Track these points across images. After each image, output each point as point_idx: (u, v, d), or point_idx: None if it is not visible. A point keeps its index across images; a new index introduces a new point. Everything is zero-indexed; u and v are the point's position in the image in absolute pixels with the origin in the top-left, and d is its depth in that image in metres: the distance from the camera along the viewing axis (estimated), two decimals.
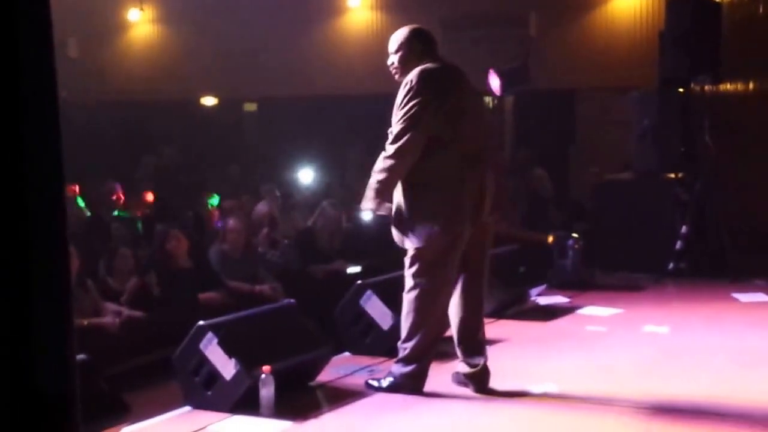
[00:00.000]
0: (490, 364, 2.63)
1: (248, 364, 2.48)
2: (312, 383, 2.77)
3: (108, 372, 2.60)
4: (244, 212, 4.75)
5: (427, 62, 2.53)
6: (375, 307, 3.11)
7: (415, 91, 2.45)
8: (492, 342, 2.74)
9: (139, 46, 7.55)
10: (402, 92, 2.48)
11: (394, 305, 3.03)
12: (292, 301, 2.95)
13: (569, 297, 4.13)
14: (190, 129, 7.53)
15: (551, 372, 2.85)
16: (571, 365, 2.94)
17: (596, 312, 3.83)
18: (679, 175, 4.81)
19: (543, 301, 4.06)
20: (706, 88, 4.73)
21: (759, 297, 4.09)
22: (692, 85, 4.74)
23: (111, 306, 3.54)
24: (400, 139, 2.45)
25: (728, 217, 4.63)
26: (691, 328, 3.48)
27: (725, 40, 4.74)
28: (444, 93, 2.48)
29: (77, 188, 4.78)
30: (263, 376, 2.45)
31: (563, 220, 5.19)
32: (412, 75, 2.48)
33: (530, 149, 5.92)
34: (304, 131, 7.05)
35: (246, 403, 2.46)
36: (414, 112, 2.44)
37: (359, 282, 3.19)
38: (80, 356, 2.06)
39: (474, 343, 2.60)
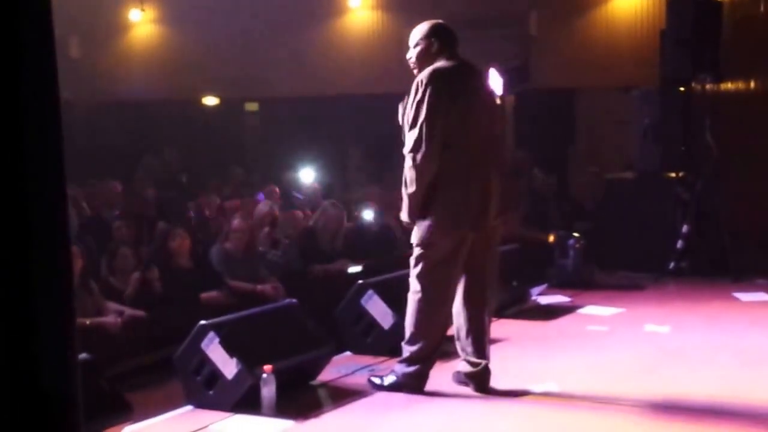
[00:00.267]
0: (491, 364, 2.63)
1: (250, 364, 2.49)
2: (313, 382, 2.77)
3: (110, 371, 2.61)
4: (246, 212, 4.75)
5: (443, 60, 2.51)
6: (376, 307, 3.11)
7: (425, 94, 2.44)
8: (493, 341, 2.74)
9: (140, 47, 7.56)
10: (413, 92, 2.48)
11: (395, 305, 3.04)
12: (294, 300, 2.95)
13: (570, 296, 4.13)
14: (192, 129, 7.53)
15: (552, 371, 2.85)
16: (572, 365, 2.94)
17: (597, 311, 3.83)
18: (680, 174, 4.80)
19: (544, 300, 4.06)
20: (708, 87, 4.72)
21: (760, 296, 4.09)
22: (693, 84, 4.73)
23: (113, 306, 3.55)
24: (419, 149, 2.43)
25: (729, 216, 4.62)
26: (692, 328, 3.48)
27: (726, 39, 4.73)
28: (454, 94, 2.47)
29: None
30: (264, 375, 2.46)
31: (563, 219, 5.19)
32: (423, 75, 2.47)
33: (527, 149, 5.92)
34: (305, 131, 7.05)
35: (247, 403, 2.47)
36: (426, 117, 2.42)
37: (360, 282, 3.20)
38: (82, 356, 2.06)
39: (476, 344, 2.60)
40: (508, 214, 2.62)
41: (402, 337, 2.67)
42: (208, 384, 2.53)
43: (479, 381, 2.62)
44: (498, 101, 2.67)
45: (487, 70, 2.62)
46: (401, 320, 2.85)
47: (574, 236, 4.50)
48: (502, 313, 3.58)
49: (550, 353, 3.11)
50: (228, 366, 2.49)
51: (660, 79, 4.90)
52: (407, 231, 2.65)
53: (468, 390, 2.62)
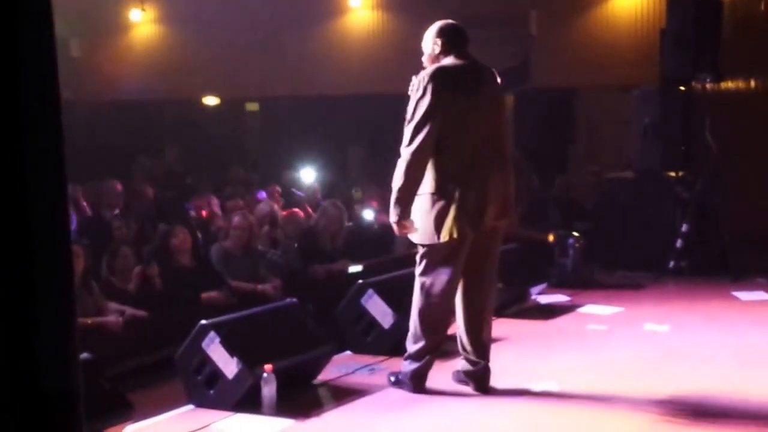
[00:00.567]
0: (491, 363, 2.64)
1: (250, 363, 2.49)
2: (314, 382, 2.78)
3: (111, 371, 2.61)
4: (246, 211, 4.76)
5: (449, 59, 2.51)
6: (376, 306, 3.11)
7: (424, 92, 2.44)
8: (492, 340, 2.74)
9: (140, 47, 7.56)
10: (413, 88, 2.48)
11: (396, 304, 3.04)
12: (294, 300, 2.96)
13: (570, 295, 4.13)
14: (192, 129, 7.53)
15: (551, 370, 2.85)
16: (572, 364, 2.94)
17: (597, 310, 3.83)
18: (680, 173, 4.80)
19: (543, 299, 4.06)
20: (708, 86, 4.72)
21: (759, 295, 4.09)
22: (693, 83, 4.73)
23: (114, 305, 3.56)
24: (411, 144, 2.44)
25: (729, 215, 4.62)
26: (692, 327, 3.48)
27: (726, 38, 4.73)
28: (456, 92, 2.47)
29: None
30: (265, 374, 2.46)
31: (563, 218, 5.19)
32: (424, 74, 2.48)
33: (524, 149, 5.92)
34: (306, 131, 7.05)
35: (248, 402, 2.47)
36: (423, 114, 2.43)
37: (360, 281, 3.20)
38: (83, 355, 2.06)
39: (477, 344, 2.61)
40: (510, 215, 2.61)
41: (403, 336, 2.68)
42: (208, 383, 2.54)
43: (479, 380, 2.62)
44: (504, 102, 2.66)
45: (498, 70, 2.62)
46: (401, 320, 2.86)
47: (574, 235, 4.50)
48: (501, 313, 3.58)
49: (550, 352, 3.11)
50: (229, 365, 2.49)
51: (660, 78, 4.90)
52: (401, 235, 2.64)
53: (468, 389, 2.63)
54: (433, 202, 2.48)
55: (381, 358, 3.00)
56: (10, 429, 0.99)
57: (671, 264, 4.56)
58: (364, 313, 3.13)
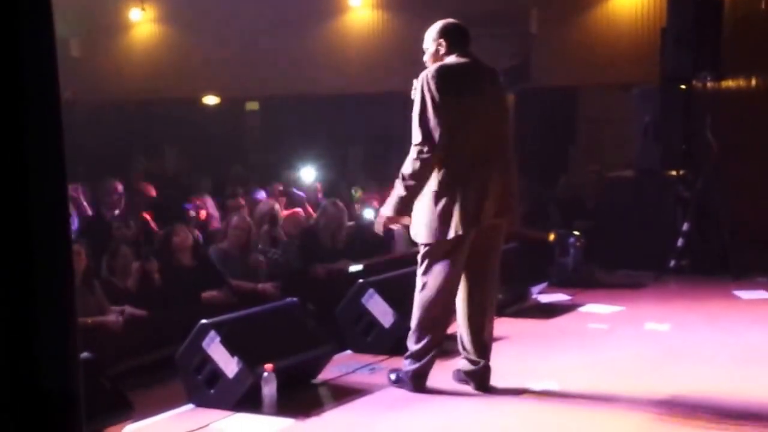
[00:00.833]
0: (491, 362, 2.64)
1: (251, 362, 2.49)
2: (314, 381, 2.78)
3: (111, 370, 2.62)
4: (246, 211, 4.75)
5: (451, 58, 2.52)
6: (377, 306, 3.11)
7: (429, 89, 2.44)
8: (493, 340, 2.74)
9: (140, 46, 7.56)
10: (417, 87, 2.48)
11: (396, 304, 3.04)
12: (295, 299, 2.96)
13: (570, 295, 4.13)
14: (192, 128, 7.53)
15: (552, 370, 2.85)
16: (572, 363, 2.94)
17: (597, 310, 3.83)
18: (681, 172, 4.80)
19: (544, 298, 4.06)
20: (708, 85, 4.71)
21: (760, 294, 4.09)
22: (694, 82, 4.72)
23: (114, 308, 3.55)
24: (425, 144, 2.43)
25: (730, 214, 4.62)
26: (693, 326, 3.48)
27: (727, 36, 4.72)
28: (458, 91, 2.47)
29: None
30: (265, 374, 2.46)
31: (563, 217, 5.18)
32: (428, 71, 2.48)
33: (524, 148, 5.91)
34: (306, 130, 7.05)
35: (248, 401, 2.47)
36: (431, 113, 2.43)
37: (361, 280, 3.20)
38: (84, 354, 2.06)
39: (477, 343, 2.61)
40: (510, 212, 2.61)
41: (403, 335, 2.68)
42: (209, 383, 2.54)
43: (479, 379, 2.62)
44: (506, 101, 2.66)
45: (499, 69, 2.62)
46: (402, 319, 2.86)
47: (575, 234, 4.49)
48: (502, 312, 3.57)
49: (550, 351, 3.11)
50: (229, 365, 2.49)
51: (660, 77, 4.89)
52: (388, 231, 2.64)
53: (468, 388, 2.63)
54: (437, 200, 2.48)
55: (381, 357, 3.00)
56: (11, 428, 0.99)
57: (672, 263, 4.56)
58: (364, 313, 3.13)
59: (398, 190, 2.50)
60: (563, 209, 5.41)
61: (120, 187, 5.05)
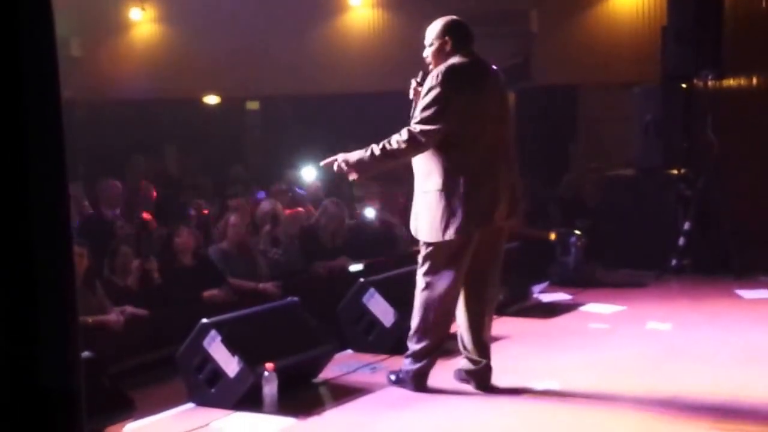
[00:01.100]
0: (492, 362, 2.63)
1: (251, 362, 2.49)
2: (315, 380, 2.78)
3: (112, 369, 2.62)
4: (244, 210, 4.76)
5: (456, 57, 2.52)
6: (377, 305, 3.11)
7: (439, 86, 2.44)
8: (494, 339, 2.75)
9: (141, 45, 7.56)
10: (428, 84, 2.48)
11: (397, 303, 3.04)
12: (295, 298, 2.96)
13: (571, 294, 4.12)
14: (192, 127, 7.53)
15: (553, 369, 2.85)
16: (574, 362, 2.94)
17: (599, 309, 3.82)
18: (682, 171, 4.79)
19: (545, 298, 4.06)
20: (709, 83, 4.70)
21: (762, 293, 4.08)
22: (695, 80, 4.71)
23: (116, 309, 3.56)
24: (423, 125, 2.43)
25: (731, 213, 4.61)
26: (694, 325, 3.47)
27: (728, 34, 4.71)
28: (467, 91, 2.47)
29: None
30: (266, 373, 2.46)
31: (564, 217, 5.18)
32: (439, 70, 2.48)
33: (525, 148, 5.90)
34: (306, 129, 7.05)
35: (249, 400, 2.47)
36: (436, 110, 2.43)
37: (362, 280, 3.20)
38: (85, 353, 2.06)
39: (478, 343, 2.60)
40: (518, 215, 2.61)
41: (404, 335, 2.68)
42: (210, 382, 2.54)
43: (480, 379, 2.62)
44: (509, 101, 2.66)
45: (499, 68, 2.62)
46: (402, 318, 2.86)
47: (576, 234, 4.49)
48: (503, 311, 3.57)
49: (552, 351, 3.10)
50: (230, 364, 2.49)
51: (661, 75, 4.88)
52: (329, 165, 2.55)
53: (469, 388, 2.63)
54: (441, 200, 2.47)
55: (382, 356, 2.99)
56: (12, 426, 0.99)
57: (673, 262, 4.55)
58: (365, 312, 3.13)
59: (372, 150, 2.46)
60: (564, 208, 5.40)
61: (120, 187, 5.05)
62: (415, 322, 2.60)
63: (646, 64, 5.27)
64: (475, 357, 2.62)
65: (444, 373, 2.68)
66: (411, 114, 2.54)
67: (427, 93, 2.47)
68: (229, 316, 2.69)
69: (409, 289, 2.64)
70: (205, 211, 5.05)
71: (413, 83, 2.57)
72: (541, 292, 4.08)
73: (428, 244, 2.53)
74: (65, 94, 1.08)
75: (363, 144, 2.58)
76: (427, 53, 2.58)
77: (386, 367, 2.83)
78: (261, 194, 5.51)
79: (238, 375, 2.49)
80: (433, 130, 2.43)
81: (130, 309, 3.56)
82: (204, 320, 2.58)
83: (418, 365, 2.60)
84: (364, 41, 6.85)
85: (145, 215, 4.75)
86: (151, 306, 3.63)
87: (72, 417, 1.04)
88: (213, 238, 4.52)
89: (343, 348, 3.08)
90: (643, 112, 4.83)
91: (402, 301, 2.88)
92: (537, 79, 6.17)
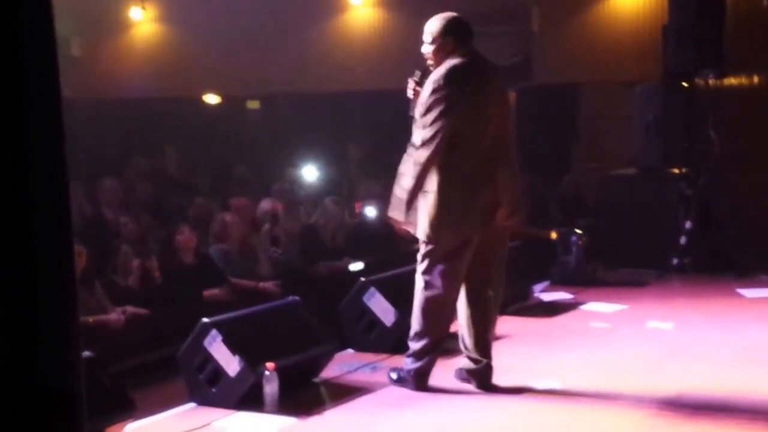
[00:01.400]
0: (493, 361, 2.63)
1: (252, 361, 2.49)
2: (316, 380, 2.78)
3: (113, 369, 2.61)
4: (243, 209, 4.75)
5: (458, 56, 2.50)
6: (378, 304, 3.11)
7: (440, 93, 2.43)
8: (495, 338, 2.74)
9: (141, 45, 7.55)
10: (428, 89, 2.47)
11: (398, 302, 3.04)
12: (296, 298, 2.96)
13: (573, 293, 4.12)
14: (193, 127, 7.53)
15: (554, 368, 2.84)
16: (575, 361, 2.94)
17: (600, 308, 3.82)
18: (683, 170, 4.78)
19: (546, 297, 4.06)
20: (711, 82, 4.70)
21: (764, 292, 4.07)
22: (696, 79, 4.71)
23: (116, 307, 3.56)
24: (426, 146, 2.43)
25: (732, 212, 4.61)
26: (696, 324, 3.47)
27: (729, 33, 4.70)
28: (467, 92, 2.46)
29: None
30: (267, 372, 2.46)
31: (565, 216, 5.18)
32: (439, 73, 2.47)
33: (525, 147, 5.89)
34: (307, 129, 7.05)
35: (250, 400, 2.47)
36: (437, 115, 2.42)
37: (362, 279, 3.20)
38: (85, 353, 2.06)
39: (479, 342, 2.60)
40: (520, 215, 2.60)
41: (405, 334, 2.67)
42: (210, 381, 2.54)
43: (481, 378, 2.62)
44: (509, 100, 2.65)
45: (500, 67, 2.61)
46: (403, 317, 2.85)
47: (577, 233, 4.49)
48: (504, 310, 3.56)
49: (553, 350, 3.10)
50: (231, 363, 2.49)
51: (662, 74, 4.87)
52: (400, 231, 2.64)
53: (470, 387, 2.62)
54: (440, 200, 2.47)
55: (383, 356, 2.99)
56: (13, 426, 0.99)
57: (674, 261, 4.55)
58: (366, 311, 3.13)
59: (399, 190, 2.50)
60: (565, 207, 5.40)
61: (119, 186, 5.05)
62: (414, 321, 2.60)
63: (647, 62, 5.26)
64: (475, 356, 2.62)
65: (445, 372, 2.67)
66: (410, 113, 2.53)
67: (427, 96, 2.46)
68: (230, 315, 2.69)
69: (410, 288, 2.64)
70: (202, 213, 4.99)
71: (411, 83, 2.57)
72: (542, 291, 4.09)
73: (427, 243, 2.52)
74: (65, 93, 1.08)
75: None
76: (427, 50, 2.57)
77: (387, 366, 2.83)
78: (265, 203, 5.45)
79: (239, 374, 2.49)
80: (434, 136, 2.42)
81: (130, 309, 3.56)
82: (205, 320, 2.58)
83: (418, 364, 2.60)
84: (365, 40, 6.84)
85: (145, 214, 4.75)
86: (152, 305, 3.63)
87: (72, 417, 1.04)
88: (210, 237, 4.51)
89: (343, 347, 3.08)
90: (644, 111, 4.83)
91: (403, 301, 2.88)
92: (538, 78, 6.17)
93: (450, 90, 2.44)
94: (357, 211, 5.13)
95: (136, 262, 3.78)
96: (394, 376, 2.67)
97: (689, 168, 4.77)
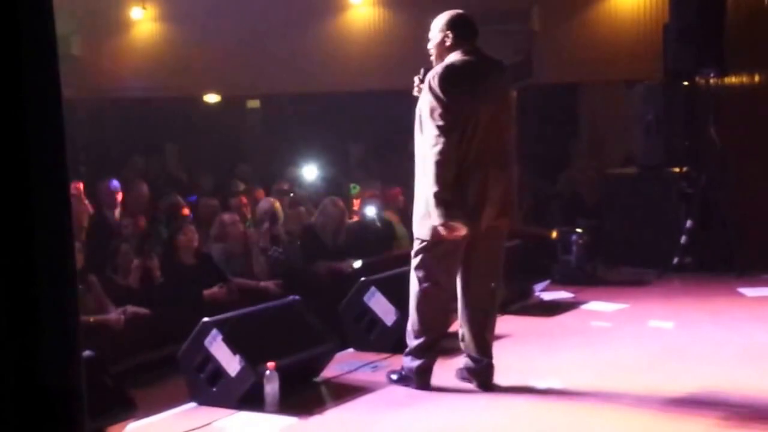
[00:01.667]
0: (494, 360, 2.63)
1: (253, 361, 2.49)
2: (316, 379, 2.78)
3: (114, 368, 2.61)
4: (243, 209, 4.75)
5: (458, 53, 2.50)
6: (379, 304, 3.11)
7: (438, 93, 2.43)
8: (496, 337, 2.74)
9: (141, 44, 7.55)
10: (426, 90, 2.47)
11: (398, 301, 3.04)
12: (297, 297, 2.96)
13: (573, 292, 4.12)
14: (193, 126, 7.53)
15: (555, 367, 2.84)
16: (575, 361, 2.94)
17: (601, 307, 3.82)
18: (684, 168, 4.78)
19: (547, 296, 4.05)
20: (711, 81, 4.69)
21: (765, 291, 4.07)
22: (697, 78, 4.70)
23: (117, 307, 3.56)
24: (438, 146, 2.42)
25: (733, 211, 4.60)
26: (697, 324, 3.47)
27: (730, 32, 4.70)
28: (461, 93, 2.46)
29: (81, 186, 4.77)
30: (268, 372, 2.46)
31: (565, 215, 5.17)
32: (436, 72, 2.47)
33: (526, 146, 5.88)
34: (307, 128, 7.05)
35: (251, 399, 2.47)
36: (441, 114, 2.42)
37: (363, 278, 3.20)
38: (86, 353, 2.06)
39: (479, 341, 2.60)
40: (509, 215, 2.59)
41: (405, 333, 2.67)
42: (211, 381, 2.54)
43: (482, 377, 2.62)
44: (510, 98, 2.63)
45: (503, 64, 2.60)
46: (404, 317, 2.85)
47: (577, 232, 4.48)
48: (505, 309, 3.56)
49: (553, 349, 3.10)
50: (231, 363, 2.49)
51: (663, 73, 4.86)
52: (450, 236, 2.55)
53: (471, 386, 2.62)
54: (431, 197, 2.46)
55: (384, 355, 2.99)
56: (13, 426, 0.98)
57: (675, 260, 4.54)
58: (366, 311, 3.13)
59: (431, 199, 2.44)
60: (565, 206, 5.39)
61: (120, 186, 5.05)
62: (411, 318, 2.60)
63: (648, 61, 5.26)
64: (476, 355, 2.61)
65: (445, 371, 2.67)
66: (415, 112, 2.53)
67: (426, 104, 2.46)
68: (231, 315, 2.69)
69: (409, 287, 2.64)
70: (186, 211, 4.97)
71: (416, 80, 2.57)
72: (543, 290, 4.07)
73: (420, 240, 2.53)
74: (66, 92, 1.08)
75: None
76: (430, 46, 2.57)
77: (388, 365, 2.83)
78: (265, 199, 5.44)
79: (240, 374, 2.49)
80: (448, 145, 2.41)
81: (131, 308, 3.56)
82: (205, 319, 2.58)
83: (419, 362, 2.60)
84: (365, 39, 6.84)
85: (145, 214, 4.75)
86: (153, 305, 3.63)
87: (73, 416, 1.04)
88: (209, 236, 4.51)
89: (344, 347, 3.08)
90: (645, 110, 4.82)
91: (403, 300, 2.87)
92: (538, 77, 6.16)
93: (447, 91, 2.43)
94: (355, 208, 5.13)
95: (136, 262, 3.78)
96: (394, 377, 2.67)
97: (690, 167, 4.76)
